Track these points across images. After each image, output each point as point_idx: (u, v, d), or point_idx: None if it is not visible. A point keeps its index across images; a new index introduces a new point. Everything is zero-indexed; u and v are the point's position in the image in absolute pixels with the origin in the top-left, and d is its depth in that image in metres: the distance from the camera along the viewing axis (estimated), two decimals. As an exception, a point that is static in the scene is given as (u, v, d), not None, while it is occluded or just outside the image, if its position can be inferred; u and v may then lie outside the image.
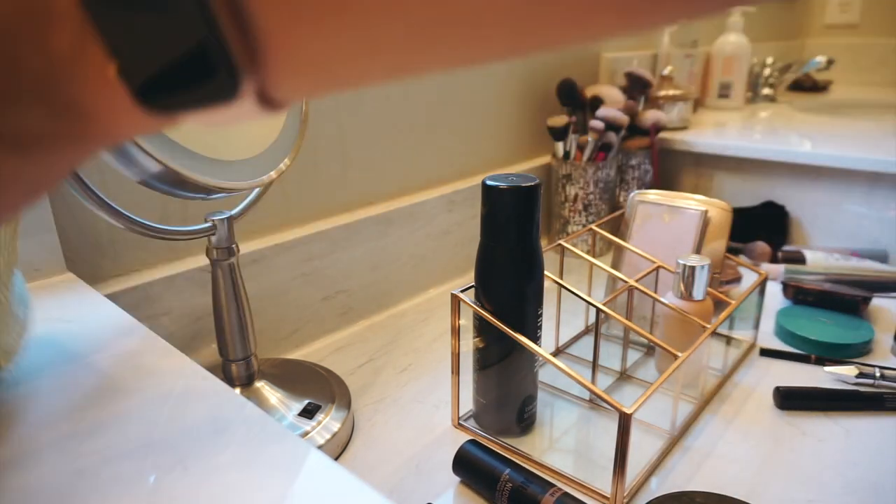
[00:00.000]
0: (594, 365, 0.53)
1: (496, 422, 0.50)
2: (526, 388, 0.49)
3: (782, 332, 0.66)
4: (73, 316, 0.42)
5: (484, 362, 0.49)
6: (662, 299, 0.55)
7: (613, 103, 0.88)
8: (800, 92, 1.57)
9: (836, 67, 1.50)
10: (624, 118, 0.85)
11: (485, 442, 0.48)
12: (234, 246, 0.46)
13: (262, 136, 0.42)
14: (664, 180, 1.01)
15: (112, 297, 0.48)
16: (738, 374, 0.60)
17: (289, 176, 0.63)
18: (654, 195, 0.66)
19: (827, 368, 0.58)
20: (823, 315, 0.68)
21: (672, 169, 1.01)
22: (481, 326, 0.48)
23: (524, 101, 0.92)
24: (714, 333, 0.52)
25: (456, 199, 0.79)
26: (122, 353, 0.37)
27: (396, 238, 0.72)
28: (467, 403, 0.52)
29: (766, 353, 0.63)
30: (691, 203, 0.63)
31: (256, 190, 0.48)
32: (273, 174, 0.41)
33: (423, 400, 0.55)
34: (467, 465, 0.44)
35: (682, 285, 0.55)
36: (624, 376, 0.59)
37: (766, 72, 1.43)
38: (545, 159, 0.94)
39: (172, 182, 0.36)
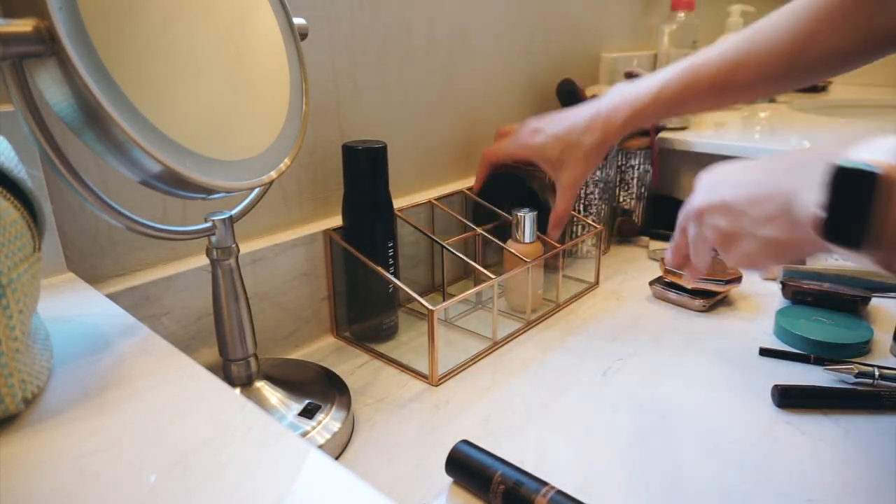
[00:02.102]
0: (443, 287, 0.72)
1: (362, 331, 0.66)
2: (382, 306, 0.64)
3: (781, 332, 0.66)
4: (73, 316, 0.42)
5: (352, 286, 0.65)
6: (500, 243, 0.71)
7: (613, 103, 0.88)
8: (799, 92, 1.57)
9: (836, 67, 1.50)
10: (624, 118, 0.85)
11: (354, 348, 0.65)
12: (234, 246, 0.46)
13: (262, 136, 0.42)
14: (664, 180, 1.01)
15: (112, 297, 0.48)
16: (579, 306, 0.75)
17: (289, 176, 0.63)
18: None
19: (826, 368, 0.58)
20: (822, 315, 0.68)
21: (672, 169, 1.01)
22: (348, 260, 0.64)
23: (524, 102, 0.92)
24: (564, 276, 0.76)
25: (455, 199, 0.79)
26: (122, 353, 0.37)
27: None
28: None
29: (765, 352, 0.63)
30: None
31: (256, 190, 0.48)
32: (273, 174, 0.42)
33: (423, 400, 0.55)
34: (460, 466, 0.44)
35: (516, 231, 0.70)
36: (477, 307, 0.75)
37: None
38: (545, 159, 0.93)
39: (172, 182, 0.36)
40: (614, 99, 0.66)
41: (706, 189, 0.46)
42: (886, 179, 0.31)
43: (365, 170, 0.61)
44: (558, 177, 0.69)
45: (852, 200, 0.32)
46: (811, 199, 0.35)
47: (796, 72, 0.58)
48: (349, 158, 0.61)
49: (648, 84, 0.63)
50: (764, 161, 0.43)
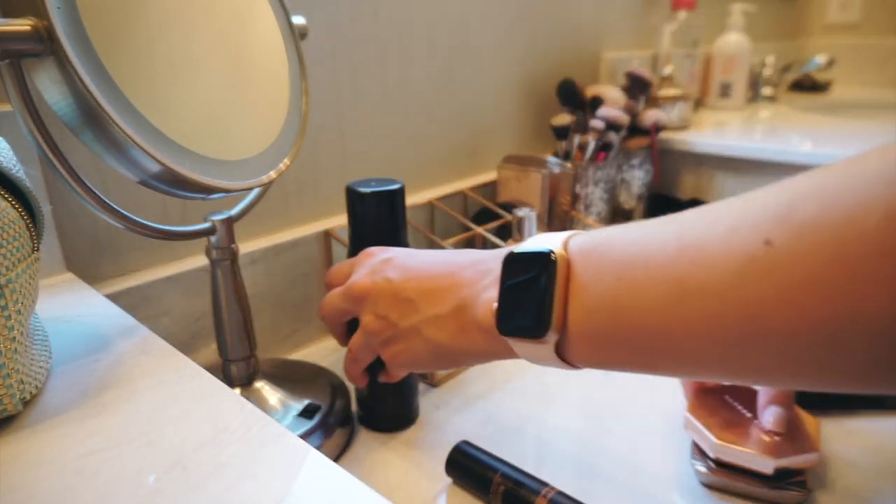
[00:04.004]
0: None
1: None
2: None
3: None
4: (73, 316, 0.42)
5: None
6: (501, 243, 0.70)
7: (614, 103, 0.88)
8: (800, 92, 1.57)
9: (837, 67, 1.50)
10: (624, 118, 0.85)
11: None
12: (234, 246, 0.46)
13: (261, 135, 0.42)
14: (664, 180, 1.01)
15: (112, 297, 0.48)
16: None
17: (289, 176, 0.63)
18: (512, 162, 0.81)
19: (827, 368, 0.58)
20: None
21: (672, 169, 1.01)
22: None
23: (524, 102, 0.92)
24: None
25: (455, 199, 0.79)
26: (122, 353, 0.37)
27: (396, 238, 0.72)
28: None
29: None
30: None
31: (256, 190, 0.48)
32: (273, 174, 0.41)
33: (423, 400, 0.55)
34: (460, 466, 0.44)
35: (516, 231, 0.69)
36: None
37: (767, 72, 1.42)
38: (545, 159, 0.94)
39: (172, 182, 0.36)
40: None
41: (371, 266, 0.40)
42: (561, 261, 0.30)
43: (378, 219, 0.47)
44: None
45: (528, 286, 0.31)
46: (488, 297, 0.34)
47: None
48: (357, 205, 0.47)
49: None
50: (446, 252, 0.40)
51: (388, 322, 0.38)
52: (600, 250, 0.31)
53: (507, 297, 0.32)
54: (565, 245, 0.32)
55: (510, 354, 0.34)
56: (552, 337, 0.31)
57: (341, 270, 0.44)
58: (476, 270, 0.36)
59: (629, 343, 0.29)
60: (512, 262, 0.33)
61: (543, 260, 0.31)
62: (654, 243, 0.28)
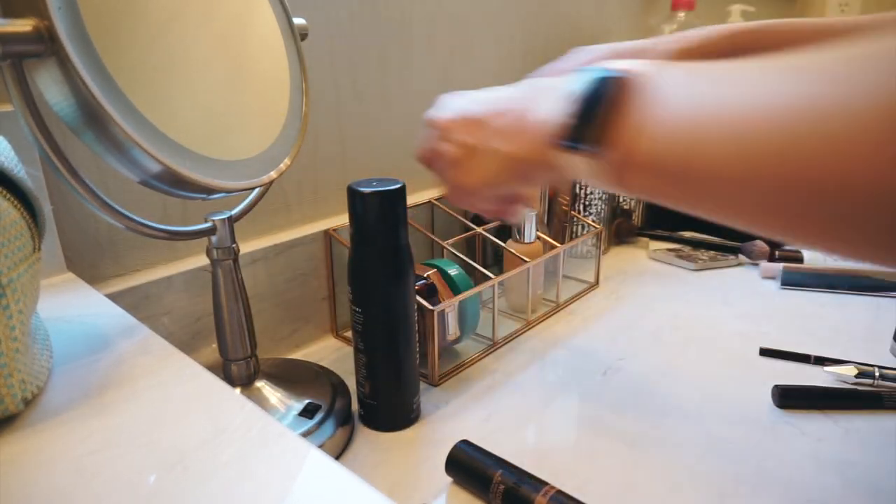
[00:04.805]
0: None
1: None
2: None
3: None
4: (73, 316, 0.42)
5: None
6: (501, 243, 0.71)
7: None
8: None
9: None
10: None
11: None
12: (234, 246, 0.46)
13: (262, 136, 0.42)
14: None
15: (112, 297, 0.48)
16: (579, 306, 0.75)
17: (289, 176, 0.63)
18: None
19: (826, 368, 0.58)
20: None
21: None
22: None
23: (524, 101, 0.92)
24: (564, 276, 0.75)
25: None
26: (122, 353, 0.37)
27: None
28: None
29: (765, 352, 0.63)
30: None
31: (256, 190, 0.48)
32: (273, 174, 0.41)
33: (423, 400, 0.55)
34: (460, 466, 0.44)
35: (516, 231, 0.70)
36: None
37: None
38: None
39: (172, 182, 0.36)
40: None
41: (450, 104, 0.43)
42: (631, 82, 0.29)
43: (378, 218, 0.47)
44: None
45: (592, 100, 0.30)
46: (549, 107, 0.33)
47: None
48: (358, 205, 0.47)
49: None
50: (515, 84, 0.40)
51: (461, 145, 0.40)
52: (676, 80, 0.29)
53: (573, 109, 0.32)
54: (642, 70, 0.30)
55: (572, 170, 0.33)
56: (609, 156, 0.30)
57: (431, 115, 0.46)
58: (541, 87, 0.36)
59: (684, 175, 0.28)
60: (580, 77, 0.32)
61: (611, 80, 0.30)
62: (733, 89, 0.27)
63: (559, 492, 0.40)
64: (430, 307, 0.55)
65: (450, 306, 0.58)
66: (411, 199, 0.74)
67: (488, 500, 0.42)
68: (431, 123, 0.44)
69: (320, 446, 0.46)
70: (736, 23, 0.54)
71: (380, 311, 0.48)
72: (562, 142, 0.32)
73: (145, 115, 0.34)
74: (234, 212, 0.46)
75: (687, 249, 0.89)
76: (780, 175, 0.24)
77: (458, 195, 0.44)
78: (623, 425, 0.52)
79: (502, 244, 0.71)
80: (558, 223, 0.82)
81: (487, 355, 0.63)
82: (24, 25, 0.29)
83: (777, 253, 0.84)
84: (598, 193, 0.85)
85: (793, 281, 0.78)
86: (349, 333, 0.67)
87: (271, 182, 0.42)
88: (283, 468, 0.28)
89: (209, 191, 0.38)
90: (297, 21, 0.46)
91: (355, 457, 0.49)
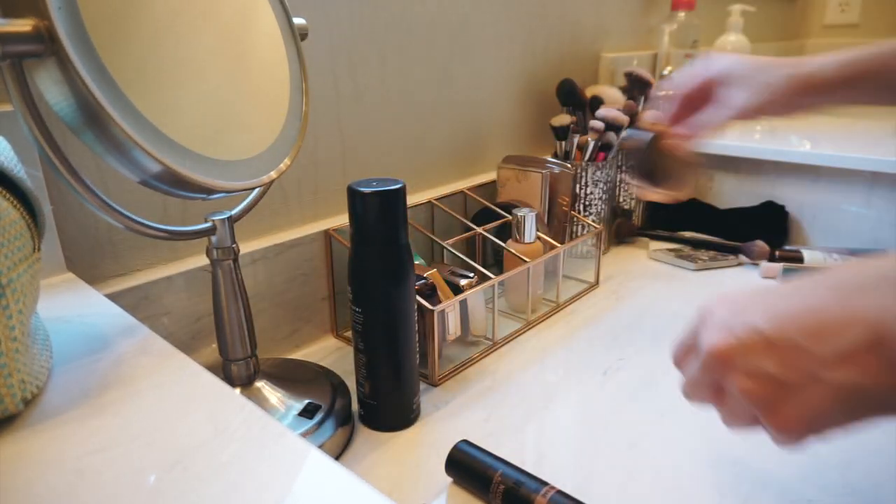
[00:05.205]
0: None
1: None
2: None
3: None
4: (73, 316, 0.42)
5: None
6: (501, 243, 0.71)
7: (613, 103, 0.88)
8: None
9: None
10: (624, 118, 0.85)
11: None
12: (234, 246, 0.46)
13: (262, 136, 0.42)
14: (664, 180, 1.01)
15: (112, 297, 0.48)
16: (579, 306, 0.75)
17: (289, 176, 0.63)
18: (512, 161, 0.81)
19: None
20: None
21: (672, 169, 1.00)
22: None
23: (524, 102, 0.92)
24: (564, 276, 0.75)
25: (455, 199, 0.79)
26: (122, 353, 0.37)
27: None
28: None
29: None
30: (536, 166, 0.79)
31: (256, 190, 0.48)
32: (273, 174, 0.41)
33: (423, 400, 0.55)
34: (460, 466, 0.44)
35: (516, 231, 0.70)
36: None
37: (766, 72, 1.42)
38: (545, 159, 0.94)
39: (172, 182, 0.36)
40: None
41: (722, 321, 0.31)
42: None
43: (378, 218, 0.47)
44: (731, 96, 0.57)
45: None
46: None
47: None
48: (358, 205, 0.47)
49: (829, 58, 0.54)
50: (810, 279, 0.31)
51: (770, 380, 0.30)
52: None
53: None
54: None
55: None
56: None
57: (684, 343, 0.35)
58: (878, 288, 0.28)
59: None
60: None
61: None
62: None
63: (559, 492, 0.40)
64: (430, 307, 0.55)
65: (450, 306, 0.58)
66: (411, 199, 0.74)
67: (488, 500, 0.42)
68: (710, 354, 0.31)
69: (320, 446, 0.46)
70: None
71: (380, 311, 0.48)
72: None
73: (145, 116, 0.34)
74: (234, 212, 0.46)
75: (687, 249, 0.89)
76: None
77: (785, 440, 0.33)
78: (623, 425, 0.52)
79: (502, 244, 0.71)
80: (558, 223, 0.82)
81: (487, 355, 0.63)
82: (23, 25, 0.29)
83: (777, 253, 0.83)
84: (598, 193, 0.85)
85: (793, 281, 0.78)
86: (349, 333, 0.67)
87: (271, 182, 0.42)
88: (283, 468, 0.28)
89: (209, 191, 0.38)
90: (297, 21, 0.46)
91: (355, 457, 0.49)
